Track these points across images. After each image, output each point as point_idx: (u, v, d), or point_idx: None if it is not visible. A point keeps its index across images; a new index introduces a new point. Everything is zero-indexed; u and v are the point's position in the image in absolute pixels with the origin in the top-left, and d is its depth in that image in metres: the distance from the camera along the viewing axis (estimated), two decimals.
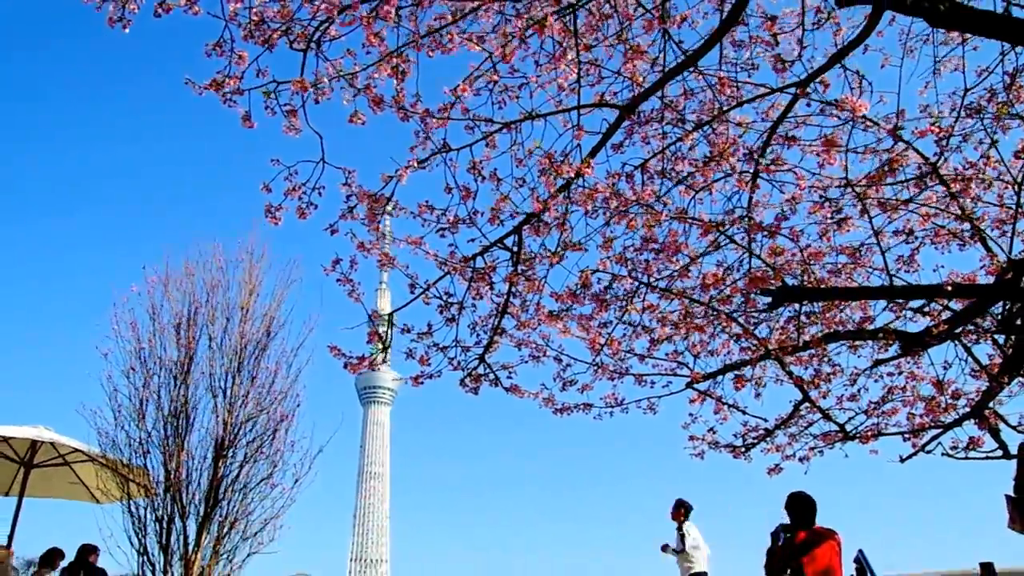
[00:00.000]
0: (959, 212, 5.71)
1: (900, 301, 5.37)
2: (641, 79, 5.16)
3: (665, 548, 9.88)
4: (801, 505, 5.67)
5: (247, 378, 9.74)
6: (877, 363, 5.84)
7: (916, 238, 5.98)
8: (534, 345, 6.65)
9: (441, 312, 6.00)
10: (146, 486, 9.49)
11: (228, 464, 9.25)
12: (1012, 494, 8.22)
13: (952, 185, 5.80)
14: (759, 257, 4.77)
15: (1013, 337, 5.57)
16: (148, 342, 9.75)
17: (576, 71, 5.20)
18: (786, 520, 6.10)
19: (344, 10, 4.82)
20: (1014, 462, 7.89)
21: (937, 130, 5.32)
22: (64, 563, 10.41)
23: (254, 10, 4.50)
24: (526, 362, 6.66)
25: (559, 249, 5.72)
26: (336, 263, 5.73)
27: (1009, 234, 5.30)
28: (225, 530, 9.06)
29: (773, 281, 4.63)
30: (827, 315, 5.46)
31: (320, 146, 5.12)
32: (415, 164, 4.93)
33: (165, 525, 8.88)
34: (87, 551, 10.26)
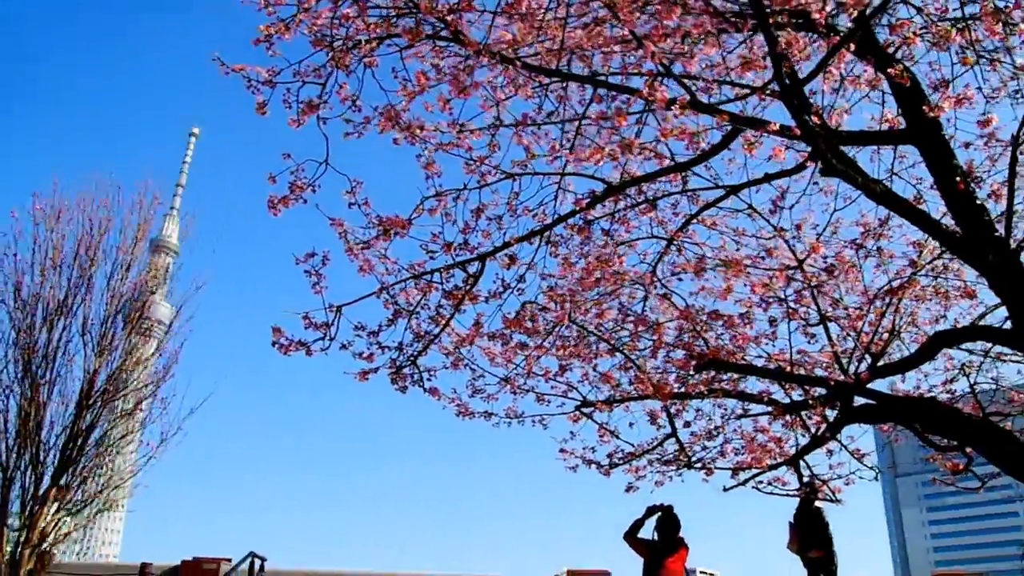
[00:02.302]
0: (816, 308, 7.29)
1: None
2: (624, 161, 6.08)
3: None
4: (669, 521, 7.07)
5: (125, 328, 9.20)
6: (742, 415, 7.31)
7: (779, 322, 7.55)
8: (455, 355, 7.38)
9: (395, 315, 6.57)
10: None
11: (91, 415, 8.72)
12: (792, 521, 10.38)
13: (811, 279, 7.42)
14: (703, 337, 5.94)
15: (837, 413, 7.24)
16: (17, 278, 8.86)
17: (570, 141, 6.06)
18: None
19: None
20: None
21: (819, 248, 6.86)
22: None
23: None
24: (447, 368, 7.38)
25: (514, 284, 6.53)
26: (310, 256, 6.08)
27: (855, 334, 6.92)
28: (77, 484, 8.56)
29: (707, 355, 5.82)
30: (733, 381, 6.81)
31: (326, 148, 5.60)
32: (434, 196, 5.48)
33: (8, 474, 8.20)
34: None
